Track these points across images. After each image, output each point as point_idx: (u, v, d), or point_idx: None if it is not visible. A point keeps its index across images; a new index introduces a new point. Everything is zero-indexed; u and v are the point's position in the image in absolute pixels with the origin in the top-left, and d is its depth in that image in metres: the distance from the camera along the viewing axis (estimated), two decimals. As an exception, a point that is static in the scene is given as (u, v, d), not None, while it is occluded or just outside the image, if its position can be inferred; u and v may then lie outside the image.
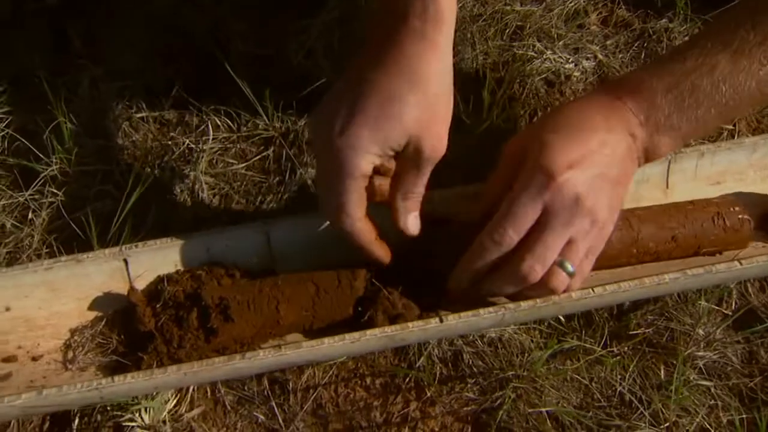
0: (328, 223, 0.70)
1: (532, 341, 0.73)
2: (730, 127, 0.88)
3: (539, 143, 0.60)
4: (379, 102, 0.56)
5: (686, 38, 0.95)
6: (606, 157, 0.60)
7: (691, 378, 0.71)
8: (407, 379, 0.71)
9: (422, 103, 0.57)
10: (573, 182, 0.58)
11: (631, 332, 0.73)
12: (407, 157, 0.59)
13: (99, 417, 0.68)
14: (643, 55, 0.95)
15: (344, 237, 0.64)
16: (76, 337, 0.69)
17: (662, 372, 0.71)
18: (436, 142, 0.58)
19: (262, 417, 0.70)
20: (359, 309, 0.67)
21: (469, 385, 0.71)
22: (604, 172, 0.60)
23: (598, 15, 1.00)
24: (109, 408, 0.68)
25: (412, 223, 0.64)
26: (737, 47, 0.60)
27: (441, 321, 0.64)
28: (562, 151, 0.59)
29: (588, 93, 0.67)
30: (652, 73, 0.62)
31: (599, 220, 0.60)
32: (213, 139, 0.84)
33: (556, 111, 0.64)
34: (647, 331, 0.73)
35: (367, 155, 0.57)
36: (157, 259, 0.70)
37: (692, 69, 0.61)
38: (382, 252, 0.65)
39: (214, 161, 0.83)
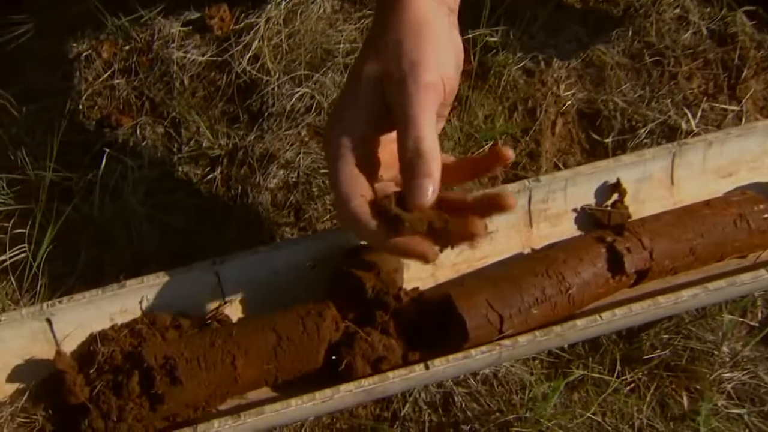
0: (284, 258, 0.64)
1: (532, 374, 0.65)
2: (736, 107, 0.80)
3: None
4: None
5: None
6: None
7: (720, 405, 0.63)
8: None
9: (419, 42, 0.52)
10: None
11: (645, 356, 0.66)
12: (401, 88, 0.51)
13: None
14: (630, 32, 0.86)
15: (364, 239, 0.55)
16: (-9, 418, 0.60)
17: (685, 400, 0.64)
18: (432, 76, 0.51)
19: (225, 490, 0.60)
20: (332, 356, 0.59)
21: (464, 434, 0.62)
22: None
23: (577, -9, 0.91)
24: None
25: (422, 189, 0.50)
26: None
27: (427, 368, 0.57)
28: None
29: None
30: None
31: None
32: (150, 163, 0.76)
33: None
34: (663, 353, 0.66)
35: (346, 126, 0.52)
36: (87, 315, 0.62)
37: None
38: (420, 245, 0.50)
39: (152, 189, 0.75)
